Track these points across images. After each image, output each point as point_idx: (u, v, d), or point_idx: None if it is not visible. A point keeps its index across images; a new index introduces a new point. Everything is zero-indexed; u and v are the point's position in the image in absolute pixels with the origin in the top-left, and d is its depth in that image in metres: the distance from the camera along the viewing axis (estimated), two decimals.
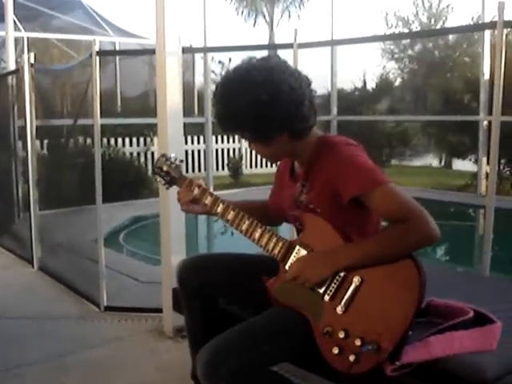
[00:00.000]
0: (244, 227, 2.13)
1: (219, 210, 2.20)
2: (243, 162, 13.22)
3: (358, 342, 1.83)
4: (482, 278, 3.06)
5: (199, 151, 12.26)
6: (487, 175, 9.51)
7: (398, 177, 9.02)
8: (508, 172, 10.23)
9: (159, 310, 3.51)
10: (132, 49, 13.21)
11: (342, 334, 1.87)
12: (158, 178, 2.39)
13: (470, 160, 11.31)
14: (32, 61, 4.86)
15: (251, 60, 2.05)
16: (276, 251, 2.07)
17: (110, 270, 4.28)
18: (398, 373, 1.83)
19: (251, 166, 13.73)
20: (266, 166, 13.94)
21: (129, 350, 3.24)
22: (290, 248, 2.05)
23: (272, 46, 5.98)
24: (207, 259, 2.50)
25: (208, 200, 2.23)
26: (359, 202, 1.93)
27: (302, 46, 3.86)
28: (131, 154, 11.17)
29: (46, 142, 6.20)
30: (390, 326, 1.82)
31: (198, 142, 12.20)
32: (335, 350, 1.87)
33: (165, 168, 2.36)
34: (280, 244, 2.07)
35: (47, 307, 3.99)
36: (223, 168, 12.98)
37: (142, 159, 11.31)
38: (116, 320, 3.68)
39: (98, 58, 3.81)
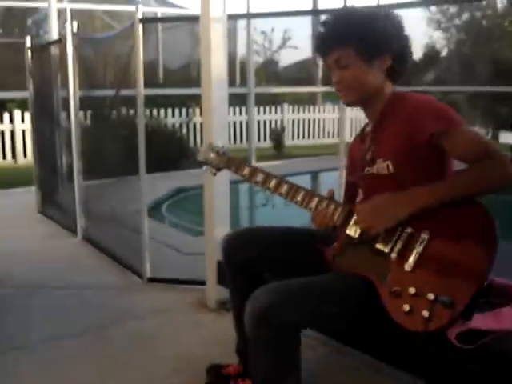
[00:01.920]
0: (299, 198, 2.07)
1: (271, 185, 2.14)
2: (285, 133, 13.07)
3: (431, 296, 1.75)
4: None
5: (241, 123, 12.18)
6: None
7: None
8: None
9: (202, 283, 3.46)
10: (174, 15, 13.09)
11: (412, 290, 1.79)
12: (205, 167, 2.37)
13: None
14: (75, 30, 4.81)
15: None
16: (335, 217, 1.99)
17: (153, 241, 4.25)
18: (462, 343, 1.74)
19: (293, 138, 13.59)
20: (308, 137, 13.81)
21: (172, 322, 3.20)
22: (350, 213, 1.97)
23: (319, 12, 5.81)
24: (253, 233, 2.40)
25: (260, 177, 2.17)
26: (435, 147, 1.86)
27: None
28: (173, 125, 11.15)
29: (89, 112, 6.17)
30: (464, 279, 1.75)
31: (240, 113, 12.11)
32: (406, 308, 1.78)
33: (211, 155, 2.33)
34: (339, 209, 1.99)
35: (90, 277, 3.99)
36: (265, 139, 12.88)
37: (184, 130, 11.28)
38: (159, 291, 3.65)
39: (141, 25, 3.72)
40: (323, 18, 2.08)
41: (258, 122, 12.64)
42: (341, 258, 2.01)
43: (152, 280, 3.82)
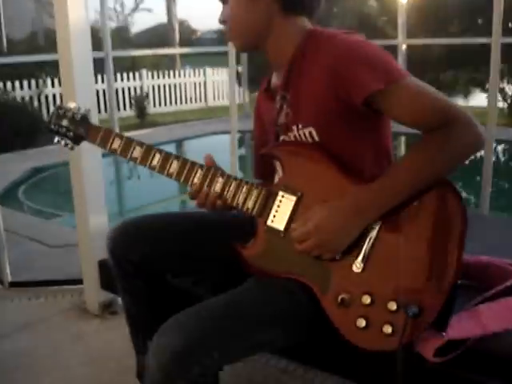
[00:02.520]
0: (196, 180, 1.55)
1: (155, 162, 1.59)
2: (148, 100, 12.37)
3: (392, 306, 1.32)
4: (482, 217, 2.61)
5: (98, 91, 11.29)
6: None
7: None
8: None
9: (78, 281, 2.87)
10: None
11: (367, 300, 1.35)
12: (57, 138, 1.74)
13: None
14: None
15: None
16: (250, 204, 1.50)
17: (11, 234, 3.58)
18: (444, 358, 1.34)
19: (155, 105, 12.91)
20: (171, 103, 13.21)
21: (45, 338, 2.57)
22: (269, 196, 1.48)
23: None
24: (145, 223, 1.83)
25: (137, 152, 1.62)
26: (370, 109, 1.39)
27: None
28: (23, 98, 10.10)
29: None
30: (432, 280, 1.32)
31: (96, 82, 11.22)
32: (361, 323, 1.35)
33: (64, 123, 1.72)
34: (254, 193, 1.50)
35: None
36: (125, 108, 12.10)
37: (36, 103, 10.27)
38: (26, 299, 2.98)
39: None
40: None
41: (117, 90, 11.81)
42: (264, 260, 1.50)
43: (15, 284, 3.14)
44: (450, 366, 1.39)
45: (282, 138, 1.56)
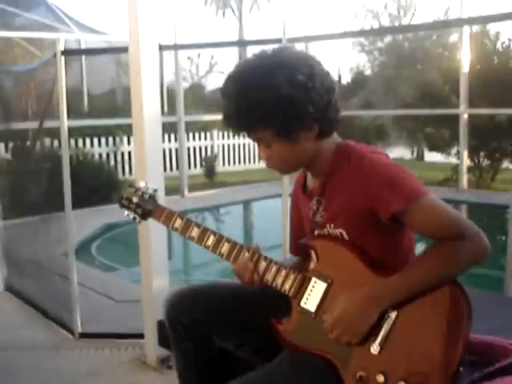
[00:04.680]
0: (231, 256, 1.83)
1: (210, 242, 1.86)
2: (217, 160, 12.86)
3: None
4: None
5: (170, 150, 11.87)
6: (469, 169, 9.35)
7: None
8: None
9: (140, 336, 3.16)
10: (99, 47, 12.73)
11: (380, 378, 1.56)
12: (127, 212, 2.04)
13: (449, 154, 11.13)
14: None
15: (265, 50, 1.71)
16: (287, 286, 1.75)
17: (83, 288, 3.92)
18: None
19: (224, 164, 13.39)
20: (240, 163, 13.65)
21: None
22: (304, 281, 1.73)
23: (245, 43, 5.67)
24: (200, 292, 2.11)
25: (195, 232, 1.89)
26: (395, 221, 1.63)
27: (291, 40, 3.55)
28: (100, 155, 10.74)
29: (8, 146, 5.81)
30: (438, 364, 1.53)
31: (169, 141, 11.82)
32: None
33: (135, 200, 2.01)
34: (291, 277, 1.74)
35: (14, 335, 3.58)
36: (195, 166, 12.62)
37: (112, 161, 10.89)
38: (92, 349, 3.31)
39: (63, 57, 3.43)
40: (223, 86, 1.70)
41: (188, 149, 12.37)
42: (296, 336, 1.73)
43: (84, 335, 3.47)
44: None
45: (316, 232, 1.81)
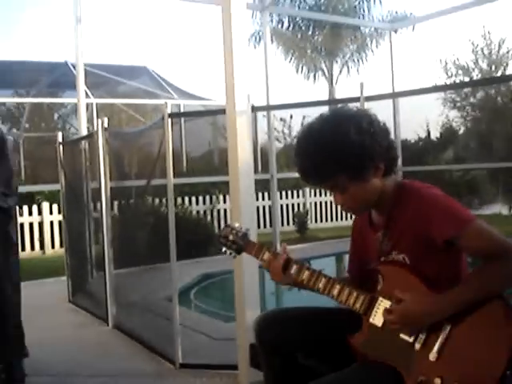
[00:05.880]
0: (321, 285, 2.13)
1: (293, 271, 2.20)
2: (309, 216, 13.20)
3: None
4: None
5: (264, 207, 12.34)
6: None
7: None
8: None
9: (234, 367, 3.50)
10: (200, 110, 13.56)
11: (438, 382, 1.84)
12: (224, 248, 2.41)
13: None
14: (105, 125, 5.07)
15: (323, 112, 2.08)
16: (358, 305, 2.06)
17: (184, 328, 4.30)
18: None
19: (316, 221, 13.70)
20: (331, 220, 13.91)
21: None
22: (372, 301, 2.04)
23: (337, 101, 6.06)
24: (284, 314, 2.47)
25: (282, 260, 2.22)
26: (450, 245, 1.92)
27: (367, 98, 3.89)
28: (198, 212, 11.36)
29: (116, 203, 6.37)
30: (488, 368, 1.80)
31: (263, 199, 12.30)
32: None
33: (231, 237, 2.39)
34: (361, 298, 2.06)
35: (123, 365, 4.04)
36: (288, 223, 13.00)
37: (209, 217, 11.47)
38: (192, 377, 3.68)
39: (170, 119, 3.94)
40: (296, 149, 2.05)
41: (281, 206, 12.80)
42: (366, 348, 2.04)
43: (184, 366, 3.86)
44: None
45: (382, 258, 2.13)
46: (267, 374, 2.45)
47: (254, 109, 3.73)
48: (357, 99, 3.90)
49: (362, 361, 2.06)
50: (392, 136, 2.08)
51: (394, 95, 6.29)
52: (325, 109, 2.18)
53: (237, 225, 2.43)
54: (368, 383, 1.99)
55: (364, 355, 2.05)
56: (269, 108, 6.91)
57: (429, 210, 1.93)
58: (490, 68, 20.02)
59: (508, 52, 19.14)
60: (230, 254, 2.42)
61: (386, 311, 1.96)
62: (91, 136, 5.72)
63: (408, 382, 1.91)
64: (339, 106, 2.13)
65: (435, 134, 15.48)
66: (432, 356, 1.88)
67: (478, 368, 1.81)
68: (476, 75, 19.39)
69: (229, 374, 3.60)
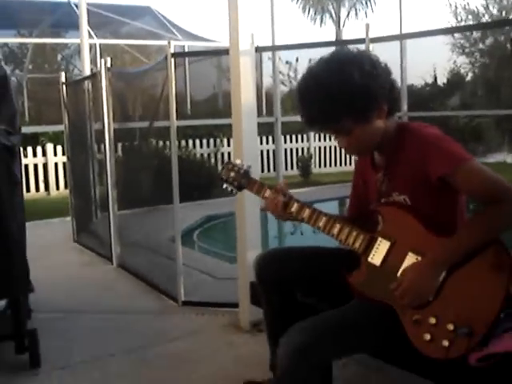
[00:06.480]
0: (321, 223, 2.15)
1: (293, 209, 2.21)
2: (312, 161, 13.21)
3: (450, 327, 1.84)
4: None
5: (268, 151, 12.34)
6: None
7: None
8: None
9: (235, 305, 3.58)
10: (204, 50, 13.40)
11: (432, 320, 1.88)
12: (225, 185, 2.42)
13: None
14: (108, 65, 5.02)
15: (323, 56, 2.06)
16: (357, 245, 2.09)
17: (186, 267, 4.37)
18: (482, 364, 1.82)
19: (320, 166, 13.71)
20: (335, 165, 13.92)
21: (207, 343, 3.32)
22: (371, 241, 2.06)
23: (343, 42, 5.96)
24: (284, 253, 2.52)
25: (282, 198, 2.24)
26: (446, 183, 1.93)
27: (373, 40, 3.83)
28: (202, 155, 11.38)
29: (120, 144, 6.38)
30: (482, 309, 1.83)
31: (267, 142, 12.28)
32: (426, 337, 1.87)
33: (232, 174, 2.39)
34: (361, 237, 2.08)
35: (127, 303, 4.13)
36: (292, 167, 13.02)
37: (213, 160, 11.50)
38: (193, 314, 3.77)
39: (173, 59, 3.91)
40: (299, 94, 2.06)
41: (285, 151, 12.79)
42: (364, 286, 2.07)
43: (186, 303, 3.95)
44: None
45: (382, 200, 2.14)
46: (266, 311, 2.51)
47: (259, 49, 3.68)
48: (362, 40, 3.85)
49: (360, 299, 2.10)
50: (394, 77, 2.06)
51: (401, 37, 6.17)
52: (332, 49, 2.17)
53: (238, 162, 2.43)
54: (364, 320, 2.03)
55: (362, 294, 2.09)
56: (273, 48, 6.81)
57: (426, 149, 1.94)
58: (501, 13, 19.60)
59: None
60: (231, 190, 2.42)
61: (399, 296, 1.95)
62: (94, 76, 5.68)
63: (404, 320, 1.95)
64: (339, 48, 2.08)
65: (442, 80, 15.28)
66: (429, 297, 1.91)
67: (473, 310, 1.84)
68: (486, 20, 19.00)
69: (230, 311, 3.68)
